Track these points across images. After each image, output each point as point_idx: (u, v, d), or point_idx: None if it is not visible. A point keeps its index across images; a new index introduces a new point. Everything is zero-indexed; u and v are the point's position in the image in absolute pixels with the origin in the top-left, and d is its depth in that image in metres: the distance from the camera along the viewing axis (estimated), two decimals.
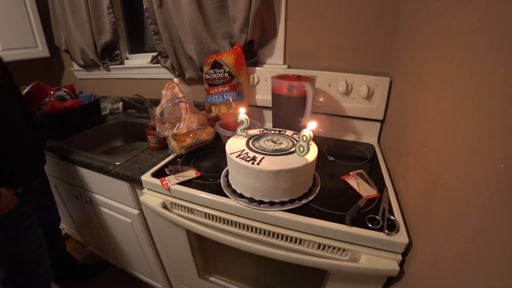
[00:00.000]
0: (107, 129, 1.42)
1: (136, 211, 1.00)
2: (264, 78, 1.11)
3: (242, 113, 0.74)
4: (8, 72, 0.95)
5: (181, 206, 0.78)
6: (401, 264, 0.59)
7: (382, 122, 1.04)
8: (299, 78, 0.93)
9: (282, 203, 0.65)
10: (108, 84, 1.66)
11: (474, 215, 0.37)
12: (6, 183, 0.82)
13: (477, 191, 0.37)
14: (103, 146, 1.38)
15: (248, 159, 0.63)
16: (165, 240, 0.97)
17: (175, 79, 1.02)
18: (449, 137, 0.48)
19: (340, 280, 0.68)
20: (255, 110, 1.20)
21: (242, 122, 0.73)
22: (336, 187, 0.75)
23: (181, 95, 0.90)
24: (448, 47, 0.53)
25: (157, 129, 0.87)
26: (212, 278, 1.03)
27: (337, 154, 0.94)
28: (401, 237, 0.57)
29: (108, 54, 1.53)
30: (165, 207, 0.80)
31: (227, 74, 1.04)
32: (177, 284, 1.17)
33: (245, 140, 0.73)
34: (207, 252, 0.97)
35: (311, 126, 0.62)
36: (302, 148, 0.63)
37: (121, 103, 1.54)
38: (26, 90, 1.21)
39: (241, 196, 0.68)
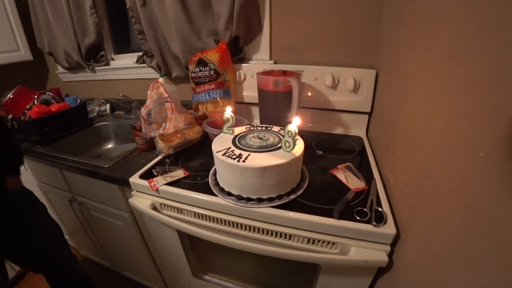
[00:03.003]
0: (96, 132, 1.40)
1: (126, 214, 0.99)
2: (251, 74, 1.10)
3: (227, 111, 0.73)
4: None
5: (171, 207, 0.77)
6: (390, 254, 0.59)
7: (369, 114, 1.04)
8: (284, 73, 0.92)
9: (270, 200, 0.64)
10: (94, 86, 1.64)
11: (459, 205, 0.37)
12: None
13: (462, 182, 0.37)
14: (92, 149, 1.36)
15: (234, 156, 0.62)
16: (158, 241, 0.96)
17: (160, 79, 1.01)
18: (433, 128, 0.48)
19: (332, 273, 0.69)
20: (243, 107, 1.19)
21: (228, 120, 0.73)
22: (324, 181, 0.75)
23: (166, 95, 0.89)
24: (431, 38, 0.53)
25: (143, 130, 0.86)
26: (207, 277, 1.03)
27: (325, 148, 0.94)
28: (389, 228, 0.57)
29: (93, 55, 1.51)
30: (154, 208, 0.79)
31: (213, 71, 1.03)
32: (172, 285, 1.17)
33: (231, 137, 0.72)
34: (200, 251, 0.97)
35: (295, 122, 0.61)
36: (288, 144, 0.63)
37: (108, 105, 1.52)
38: (9, 95, 1.19)
39: (229, 194, 0.67)
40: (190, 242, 0.90)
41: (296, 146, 0.63)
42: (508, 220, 0.28)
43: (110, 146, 1.43)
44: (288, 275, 0.92)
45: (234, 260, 0.96)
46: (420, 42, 0.59)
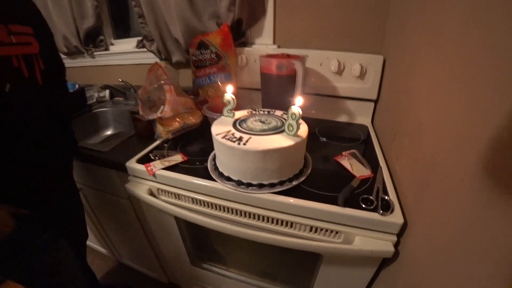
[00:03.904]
0: (94, 118, 1.37)
1: (124, 200, 0.97)
2: (253, 59, 1.06)
3: (228, 93, 0.70)
4: (58, 66, 0.81)
5: (168, 192, 0.75)
6: (396, 244, 0.56)
7: (375, 102, 1.00)
8: (288, 57, 0.89)
9: (272, 185, 0.62)
10: (93, 71, 1.60)
11: (468, 195, 0.35)
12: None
13: (471, 171, 0.35)
14: (91, 136, 1.33)
15: (234, 139, 0.59)
16: (155, 229, 0.94)
17: (160, 62, 0.97)
18: (442, 115, 0.46)
19: (334, 263, 0.66)
20: (245, 92, 1.15)
21: (229, 102, 0.69)
22: (328, 168, 0.72)
23: (165, 77, 0.86)
24: (439, 29, 0.51)
25: (141, 112, 0.83)
26: (205, 265, 1.01)
27: (329, 135, 0.91)
28: (396, 217, 0.54)
29: (92, 40, 1.47)
30: (151, 193, 0.77)
31: (214, 55, 0.99)
32: (171, 273, 1.16)
33: (232, 121, 0.69)
34: (198, 239, 0.95)
35: (298, 102, 0.58)
36: (291, 127, 0.59)
37: (107, 91, 1.48)
38: None
39: (228, 179, 0.65)
40: (188, 229, 0.88)
41: (299, 129, 0.60)
42: None
43: (109, 132, 1.40)
44: (288, 265, 0.90)
45: (233, 249, 0.94)
46: (429, 31, 0.56)
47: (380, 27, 0.93)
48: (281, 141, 0.58)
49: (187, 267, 1.01)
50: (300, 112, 0.57)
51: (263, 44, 1.09)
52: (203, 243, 0.96)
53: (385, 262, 0.62)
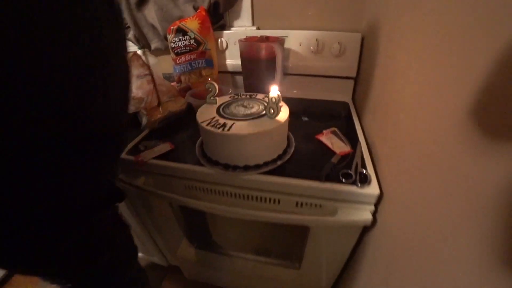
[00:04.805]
0: None
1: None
2: (233, 42, 1.06)
3: (209, 80, 0.71)
4: None
5: (160, 181, 0.77)
6: (374, 213, 0.62)
7: (355, 79, 1.03)
8: (267, 39, 0.89)
9: (257, 167, 0.65)
10: None
11: (441, 171, 0.37)
12: None
13: (444, 147, 0.37)
14: None
15: (218, 126, 0.61)
16: (150, 215, 0.97)
17: (139, 51, 0.96)
18: (418, 93, 0.47)
19: (320, 232, 0.72)
20: (228, 76, 1.16)
21: (210, 90, 0.71)
22: (310, 146, 0.75)
23: (146, 67, 0.85)
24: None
25: None
26: (203, 246, 1.06)
27: (311, 114, 0.93)
28: (372, 189, 0.59)
29: None
30: (145, 183, 0.79)
31: (193, 40, 0.98)
32: (169, 256, 1.21)
33: (215, 107, 0.71)
34: (194, 222, 0.99)
35: (274, 90, 0.60)
36: (272, 110, 0.62)
37: None
38: None
39: (216, 163, 0.67)
40: (183, 215, 0.92)
41: (280, 112, 0.63)
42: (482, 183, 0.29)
43: None
44: (279, 239, 0.96)
45: (228, 229, 0.99)
46: (409, 4, 0.57)
47: (358, 3, 0.94)
48: (263, 125, 0.61)
49: (185, 249, 1.06)
50: (279, 95, 0.60)
51: (242, 26, 1.08)
52: (199, 226, 1.00)
53: (366, 228, 0.67)
